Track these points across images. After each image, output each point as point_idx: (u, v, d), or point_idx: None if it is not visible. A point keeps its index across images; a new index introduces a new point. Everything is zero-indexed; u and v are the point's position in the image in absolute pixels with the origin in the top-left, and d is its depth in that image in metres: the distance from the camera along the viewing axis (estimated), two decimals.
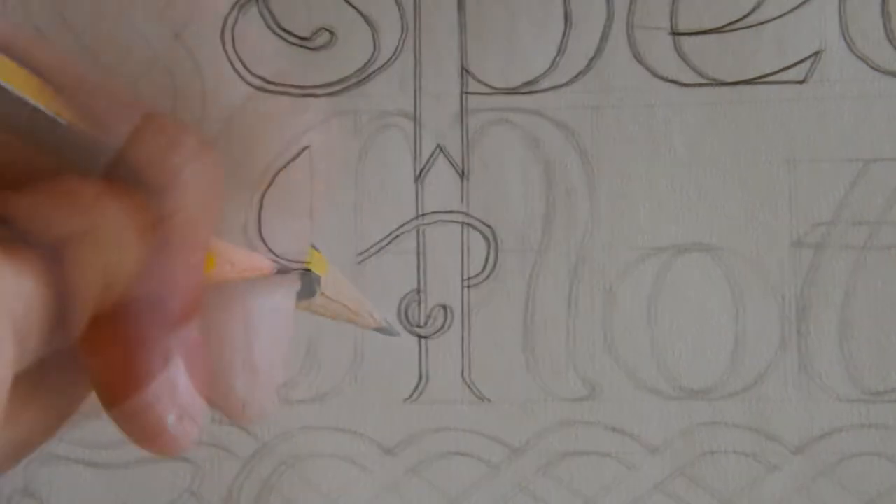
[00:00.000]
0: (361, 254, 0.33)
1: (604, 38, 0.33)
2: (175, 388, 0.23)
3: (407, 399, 0.33)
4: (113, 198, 0.21)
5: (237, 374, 0.24)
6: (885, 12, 0.32)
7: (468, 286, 0.33)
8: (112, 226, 0.21)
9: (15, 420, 0.23)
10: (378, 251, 0.33)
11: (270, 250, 0.33)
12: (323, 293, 0.28)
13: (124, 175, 0.21)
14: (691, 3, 0.33)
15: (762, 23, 0.33)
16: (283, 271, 0.32)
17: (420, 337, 0.33)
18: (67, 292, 0.21)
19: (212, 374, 0.24)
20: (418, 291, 0.33)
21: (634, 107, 0.33)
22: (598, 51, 0.33)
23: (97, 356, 0.22)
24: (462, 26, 0.33)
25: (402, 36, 0.33)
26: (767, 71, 0.33)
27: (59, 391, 0.24)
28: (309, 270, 0.29)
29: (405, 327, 0.33)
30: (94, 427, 0.33)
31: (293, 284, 0.25)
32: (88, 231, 0.21)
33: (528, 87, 0.33)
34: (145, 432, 0.23)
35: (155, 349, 0.22)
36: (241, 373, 0.24)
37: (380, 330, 0.32)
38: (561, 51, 0.33)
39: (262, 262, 0.31)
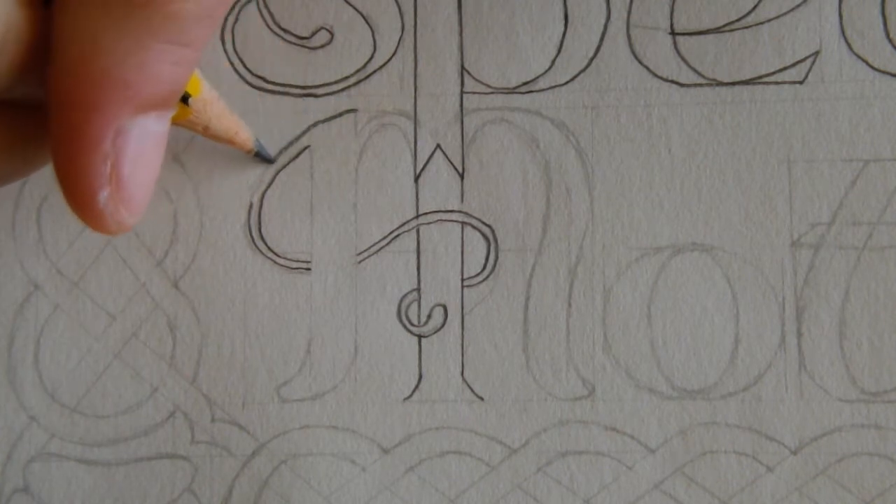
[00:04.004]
0: (360, 253, 0.34)
1: (603, 37, 0.34)
2: (118, 170, 0.24)
3: (405, 398, 0.33)
4: None
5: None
6: (884, 12, 0.33)
7: (467, 286, 0.34)
8: None
9: None
10: (377, 251, 0.34)
11: (271, 249, 0.34)
12: (189, 108, 0.29)
13: None
14: (690, 2, 0.33)
15: (761, 23, 0.33)
16: (256, 155, 0.33)
17: (419, 336, 0.34)
18: (51, 32, 0.22)
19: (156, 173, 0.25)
20: (417, 291, 0.34)
21: (633, 106, 0.33)
22: (597, 50, 0.34)
23: (57, 105, 0.23)
24: (461, 26, 0.34)
25: (400, 35, 0.34)
26: (766, 71, 0.33)
27: (15, 147, 0.25)
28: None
29: (404, 327, 0.34)
30: (92, 425, 0.34)
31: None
32: None
33: (526, 87, 0.34)
34: (75, 195, 0.24)
35: (108, 122, 0.23)
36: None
37: (256, 154, 0.33)
38: (560, 50, 0.34)
39: (246, 139, 0.32)
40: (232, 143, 0.32)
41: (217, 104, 0.31)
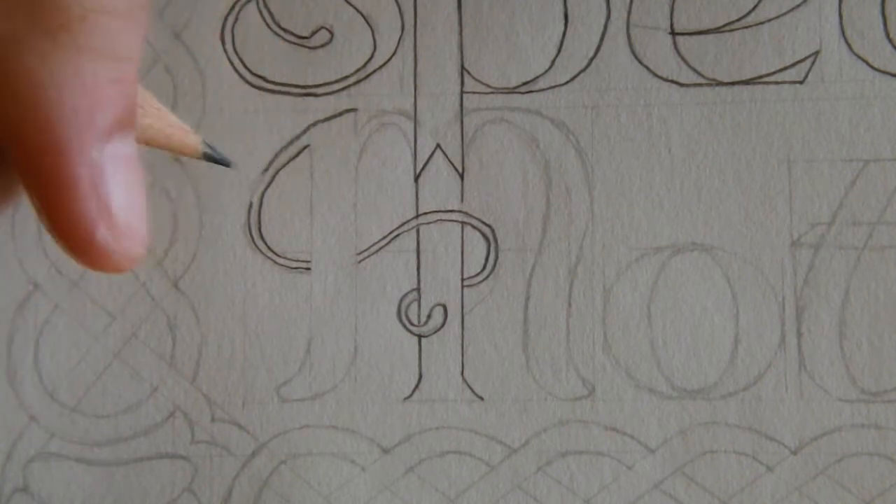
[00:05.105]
0: (361, 253, 0.34)
1: (603, 37, 0.34)
2: (106, 202, 0.23)
3: (405, 398, 0.33)
4: None
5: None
6: (884, 12, 0.33)
7: (467, 285, 0.34)
8: (22, 26, 0.21)
9: None
10: (377, 250, 0.34)
11: (271, 249, 0.34)
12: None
13: None
14: (690, 2, 0.34)
15: (761, 23, 0.33)
16: (207, 158, 0.31)
17: (419, 336, 0.34)
18: None
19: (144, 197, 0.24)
20: (417, 291, 0.34)
21: (633, 106, 0.34)
22: (597, 50, 0.34)
23: (20, 157, 0.22)
24: (461, 26, 0.34)
25: (400, 35, 0.34)
26: (766, 71, 0.33)
27: None
28: None
29: (404, 327, 0.34)
30: (92, 425, 0.34)
31: None
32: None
33: (526, 87, 0.34)
34: (73, 241, 0.23)
35: (78, 158, 0.22)
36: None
37: (208, 158, 0.31)
38: (560, 50, 0.34)
39: (193, 143, 0.31)
40: (173, 148, 0.31)
41: (151, 109, 0.30)
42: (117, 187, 0.23)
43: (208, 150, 0.32)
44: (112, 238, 0.24)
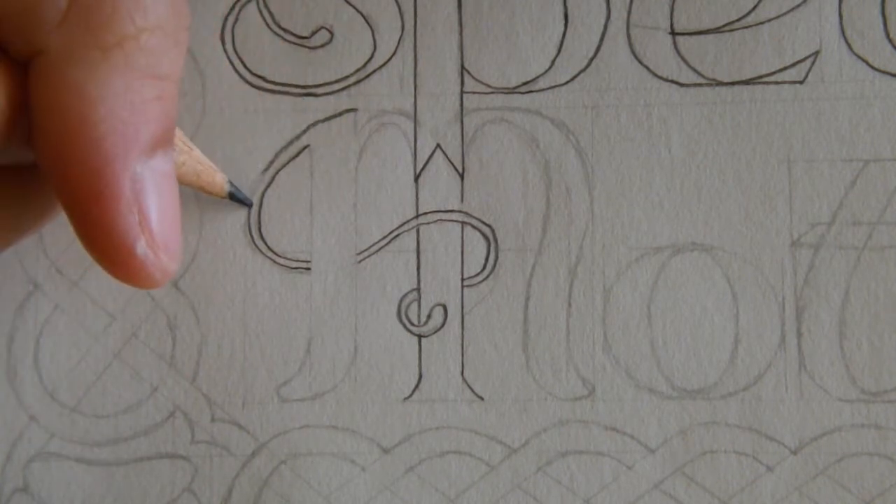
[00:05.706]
0: (360, 253, 0.34)
1: (603, 37, 0.34)
2: (145, 216, 0.23)
3: (405, 398, 0.34)
4: (80, 12, 0.22)
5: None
6: (884, 12, 0.33)
7: (467, 285, 0.34)
8: (78, 42, 0.22)
9: None
10: (377, 250, 0.34)
11: (271, 249, 0.34)
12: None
13: None
14: (690, 2, 0.34)
15: (761, 23, 0.33)
16: (232, 197, 0.33)
17: (419, 336, 0.34)
18: (30, 105, 0.22)
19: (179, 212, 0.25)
20: (417, 291, 0.34)
21: (633, 106, 0.34)
22: (597, 50, 0.34)
23: (63, 171, 0.23)
24: (461, 26, 0.34)
25: (400, 35, 0.34)
26: (766, 71, 0.33)
27: (16, 204, 0.24)
28: None
29: (404, 327, 0.34)
30: (92, 425, 0.34)
31: None
32: (52, 47, 0.22)
33: (526, 87, 0.34)
34: (112, 255, 0.23)
35: (122, 171, 0.23)
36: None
37: (232, 197, 0.33)
38: (560, 50, 0.34)
39: (220, 182, 0.32)
40: (201, 186, 0.32)
41: (184, 147, 0.31)
42: (157, 202, 0.24)
43: (233, 190, 0.33)
44: (151, 252, 0.24)
